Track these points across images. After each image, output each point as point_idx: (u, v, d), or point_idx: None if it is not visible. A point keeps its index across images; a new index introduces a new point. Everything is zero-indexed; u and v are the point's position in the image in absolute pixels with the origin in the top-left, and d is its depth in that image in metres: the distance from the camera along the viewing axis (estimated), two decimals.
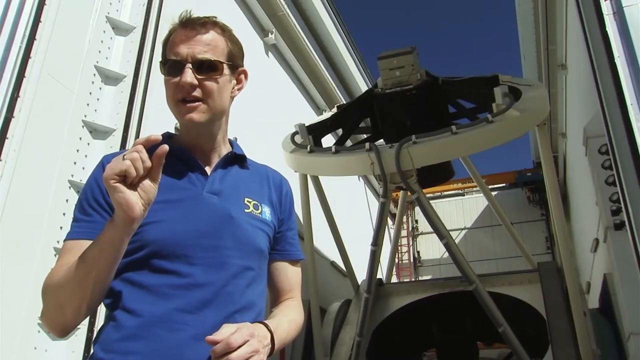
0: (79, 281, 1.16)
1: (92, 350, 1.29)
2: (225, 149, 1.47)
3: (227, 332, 1.12)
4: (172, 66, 1.34)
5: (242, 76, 1.47)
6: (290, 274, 1.50)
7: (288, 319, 1.40)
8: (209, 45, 1.35)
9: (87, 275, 1.15)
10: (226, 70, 1.38)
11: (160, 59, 1.42)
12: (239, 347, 1.11)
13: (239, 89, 1.46)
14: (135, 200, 1.10)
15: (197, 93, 1.33)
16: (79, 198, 1.36)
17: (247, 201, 1.39)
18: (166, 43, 1.40)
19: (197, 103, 1.33)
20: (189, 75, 1.31)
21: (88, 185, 1.34)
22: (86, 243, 1.21)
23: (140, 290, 1.21)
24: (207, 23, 1.38)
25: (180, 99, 1.33)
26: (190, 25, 1.36)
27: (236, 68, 1.44)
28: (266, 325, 1.25)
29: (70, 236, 1.29)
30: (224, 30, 1.41)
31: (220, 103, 1.38)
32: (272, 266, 1.47)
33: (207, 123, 1.37)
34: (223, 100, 1.39)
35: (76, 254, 1.19)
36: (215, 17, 1.41)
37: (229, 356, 1.09)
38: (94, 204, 1.30)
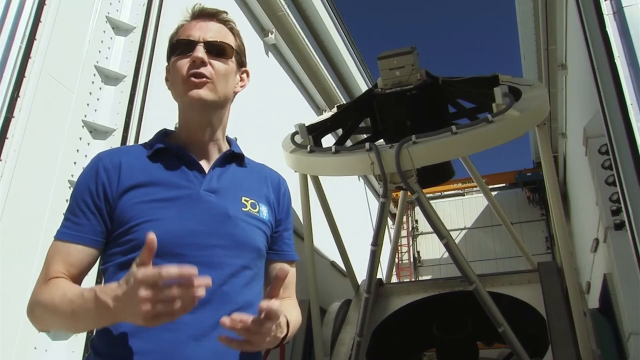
0: (66, 328, 1.25)
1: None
2: (224, 146, 1.47)
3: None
4: (183, 46, 1.37)
5: (245, 75, 1.50)
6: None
7: (295, 319, 1.41)
8: (220, 33, 1.40)
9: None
10: (234, 60, 1.42)
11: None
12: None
13: (241, 87, 1.48)
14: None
15: (207, 71, 1.34)
16: (70, 195, 1.37)
17: (245, 200, 1.38)
18: (174, 35, 1.43)
19: (205, 79, 1.34)
20: (200, 52, 1.34)
21: (79, 185, 1.34)
22: (73, 246, 1.26)
23: None
24: (219, 15, 1.43)
25: (188, 76, 1.33)
26: (202, 15, 1.41)
27: (241, 65, 1.47)
28: (287, 322, 1.26)
29: (58, 236, 1.30)
30: (233, 28, 1.45)
31: (226, 88, 1.39)
32: (270, 267, 1.47)
33: (211, 105, 1.37)
34: (229, 87, 1.41)
35: (62, 261, 1.25)
36: (226, 13, 1.46)
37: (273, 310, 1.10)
38: (82, 205, 1.30)
